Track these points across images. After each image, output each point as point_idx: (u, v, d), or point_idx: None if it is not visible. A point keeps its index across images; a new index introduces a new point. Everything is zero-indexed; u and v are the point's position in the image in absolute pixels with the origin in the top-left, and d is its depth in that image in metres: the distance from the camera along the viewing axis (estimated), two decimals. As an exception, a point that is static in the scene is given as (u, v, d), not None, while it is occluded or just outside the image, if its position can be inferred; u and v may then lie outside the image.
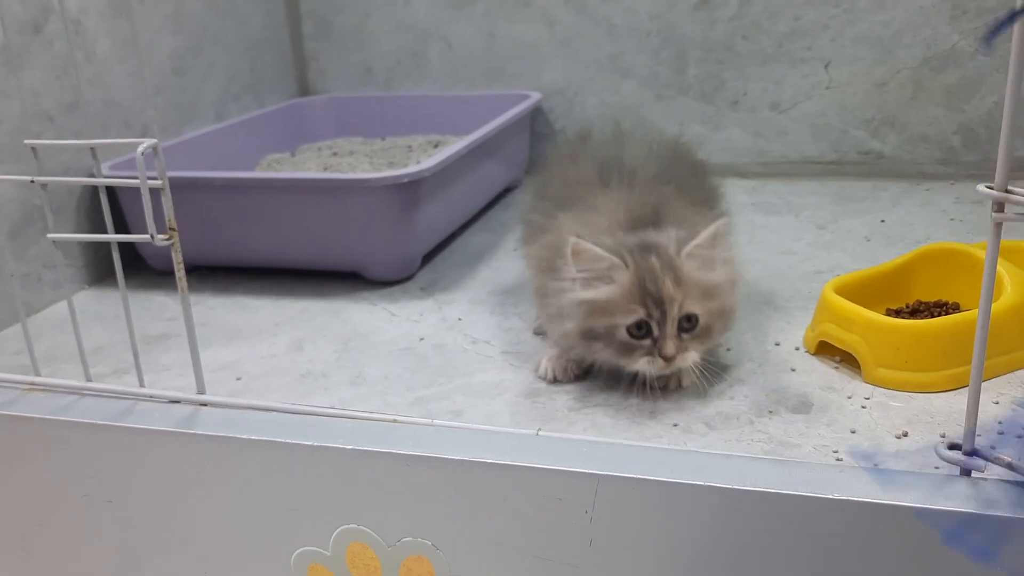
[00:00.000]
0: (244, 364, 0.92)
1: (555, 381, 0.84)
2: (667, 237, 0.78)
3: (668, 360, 0.75)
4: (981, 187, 0.54)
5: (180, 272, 0.71)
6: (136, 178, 0.68)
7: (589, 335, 0.77)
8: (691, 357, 0.76)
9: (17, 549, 0.79)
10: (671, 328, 0.75)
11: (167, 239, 0.70)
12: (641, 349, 0.76)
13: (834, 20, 1.42)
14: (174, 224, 0.70)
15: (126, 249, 0.75)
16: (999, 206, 0.53)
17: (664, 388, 0.80)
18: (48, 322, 1.06)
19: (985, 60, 1.37)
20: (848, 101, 1.45)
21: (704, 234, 0.77)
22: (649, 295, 0.75)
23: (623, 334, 0.76)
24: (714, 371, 0.81)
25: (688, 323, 0.76)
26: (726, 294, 0.79)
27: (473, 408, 0.79)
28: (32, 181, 0.73)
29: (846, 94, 1.45)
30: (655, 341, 0.76)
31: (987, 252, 0.55)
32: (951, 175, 1.41)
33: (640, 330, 0.76)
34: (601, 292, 0.76)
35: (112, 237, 0.73)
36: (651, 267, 0.76)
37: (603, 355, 0.78)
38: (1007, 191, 0.52)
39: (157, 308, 1.09)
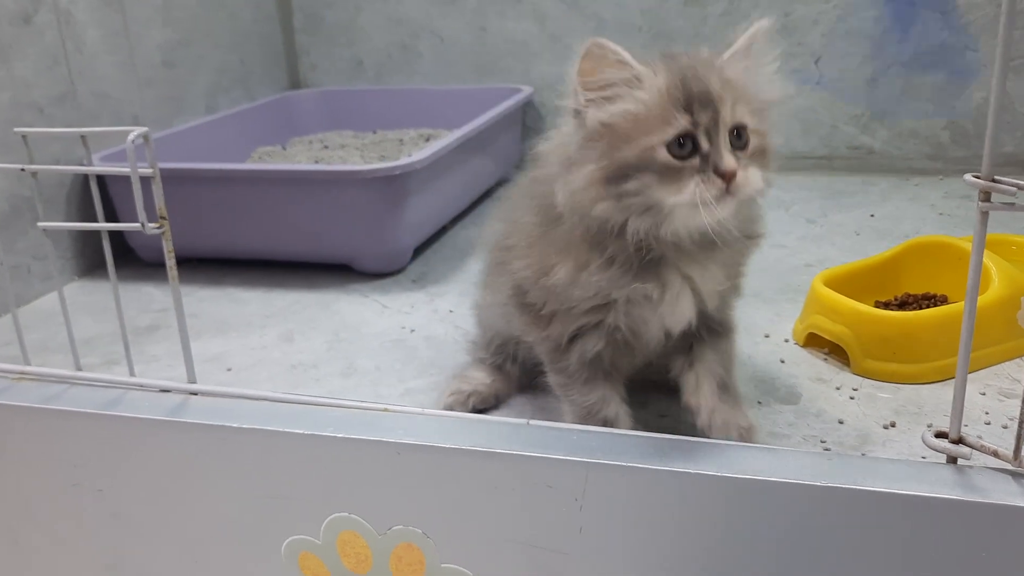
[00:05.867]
0: (234, 355, 0.92)
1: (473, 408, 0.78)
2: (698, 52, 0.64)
3: (727, 177, 0.59)
4: (968, 176, 0.54)
5: (171, 261, 0.71)
6: (127, 167, 0.68)
7: (617, 178, 0.60)
8: (755, 179, 0.60)
9: (5, 537, 0.78)
10: (725, 136, 0.60)
11: (158, 228, 0.70)
12: (690, 170, 0.59)
13: (824, 16, 1.43)
14: (165, 213, 0.70)
15: (115, 241, 0.74)
16: (985, 195, 0.54)
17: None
18: (36, 314, 1.05)
19: (975, 56, 1.38)
20: (838, 97, 1.46)
21: (741, 40, 0.63)
22: (694, 96, 0.59)
23: (664, 155, 0.59)
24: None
25: (739, 139, 0.61)
26: (769, 119, 0.65)
27: (463, 398, 0.80)
28: (23, 169, 0.73)
29: (836, 90, 1.46)
30: (705, 158, 0.59)
31: (974, 240, 0.55)
32: (940, 170, 1.42)
33: (683, 147, 0.59)
34: (628, 104, 0.60)
35: (103, 226, 0.72)
36: (690, 65, 0.61)
37: (639, 201, 0.60)
38: (993, 180, 0.53)
39: (146, 299, 1.09)
